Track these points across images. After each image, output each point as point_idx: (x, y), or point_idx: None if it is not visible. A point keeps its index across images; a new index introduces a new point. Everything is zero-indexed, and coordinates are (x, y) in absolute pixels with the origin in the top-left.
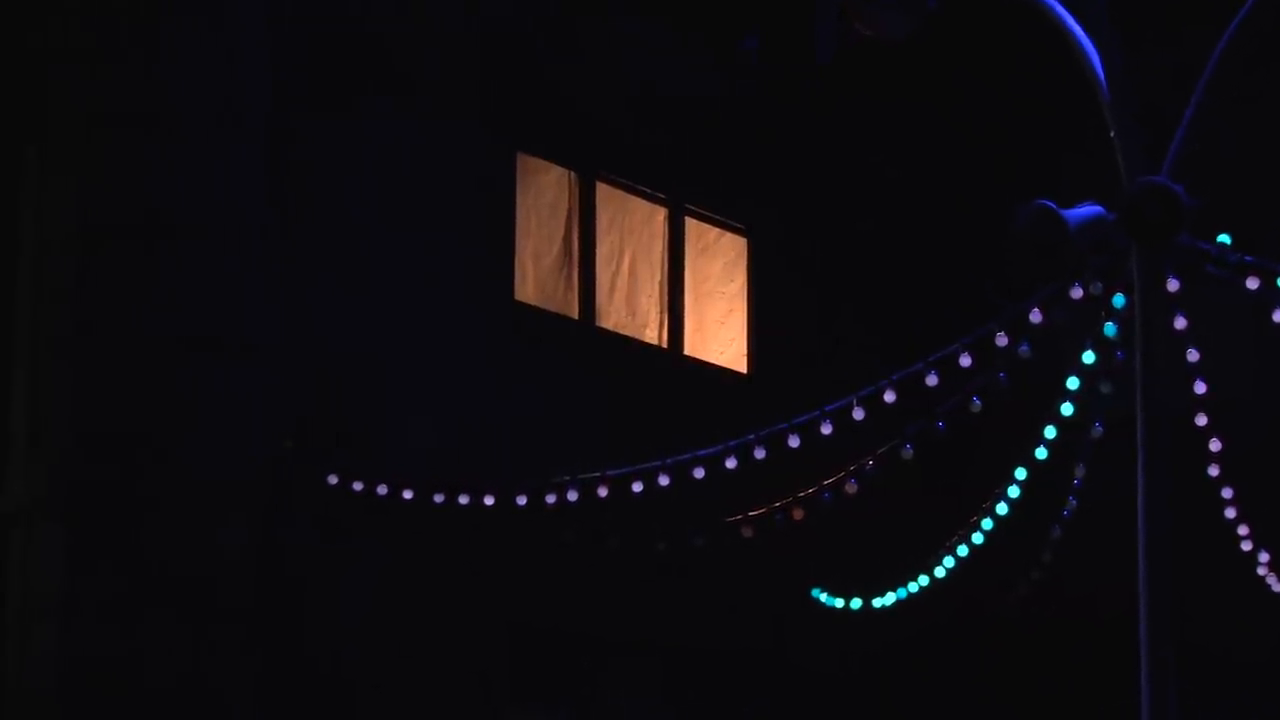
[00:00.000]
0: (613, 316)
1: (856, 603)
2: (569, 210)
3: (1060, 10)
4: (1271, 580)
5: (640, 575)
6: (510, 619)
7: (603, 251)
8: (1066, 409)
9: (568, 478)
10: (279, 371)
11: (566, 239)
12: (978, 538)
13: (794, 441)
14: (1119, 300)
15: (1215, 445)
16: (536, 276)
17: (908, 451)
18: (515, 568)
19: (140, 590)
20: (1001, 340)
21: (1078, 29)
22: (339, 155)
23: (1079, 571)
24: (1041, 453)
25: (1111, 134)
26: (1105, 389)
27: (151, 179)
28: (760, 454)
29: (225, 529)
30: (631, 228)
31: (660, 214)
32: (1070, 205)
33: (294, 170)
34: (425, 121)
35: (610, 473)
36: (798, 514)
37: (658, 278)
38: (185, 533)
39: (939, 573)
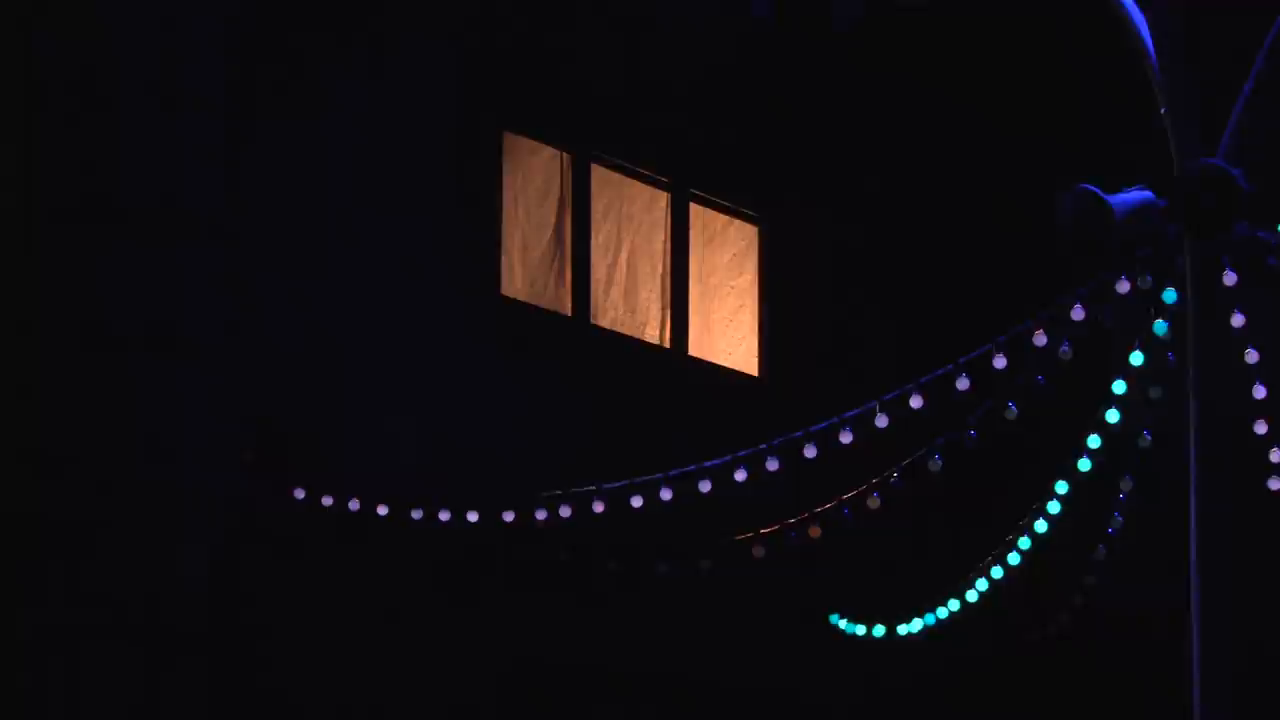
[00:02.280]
0: (609, 314)
1: (879, 630)
2: (561, 195)
3: None
4: None
5: (639, 600)
6: (495, 649)
7: (598, 241)
8: (1112, 416)
9: (559, 492)
10: (236, 374)
11: (558, 227)
12: (1014, 558)
13: (810, 451)
14: (1170, 295)
15: (1277, 455)
16: (525, 269)
17: (936, 463)
18: (501, 592)
19: (83, 618)
20: (1040, 340)
21: None
22: (302, 133)
23: (1126, 596)
24: (1085, 464)
25: (1162, 111)
26: (1155, 394)
27: (88, 159)
28: (773, 465)
29: (179, 549)
30: (630, 215)
31: (662, 199)
32: (1117, 190)
33: (251, 149)
34: (399, 97)
35: (606, 486)
36: (814, 532)
37: (659, 270)
38: (133, 554)
39: (971, 597)
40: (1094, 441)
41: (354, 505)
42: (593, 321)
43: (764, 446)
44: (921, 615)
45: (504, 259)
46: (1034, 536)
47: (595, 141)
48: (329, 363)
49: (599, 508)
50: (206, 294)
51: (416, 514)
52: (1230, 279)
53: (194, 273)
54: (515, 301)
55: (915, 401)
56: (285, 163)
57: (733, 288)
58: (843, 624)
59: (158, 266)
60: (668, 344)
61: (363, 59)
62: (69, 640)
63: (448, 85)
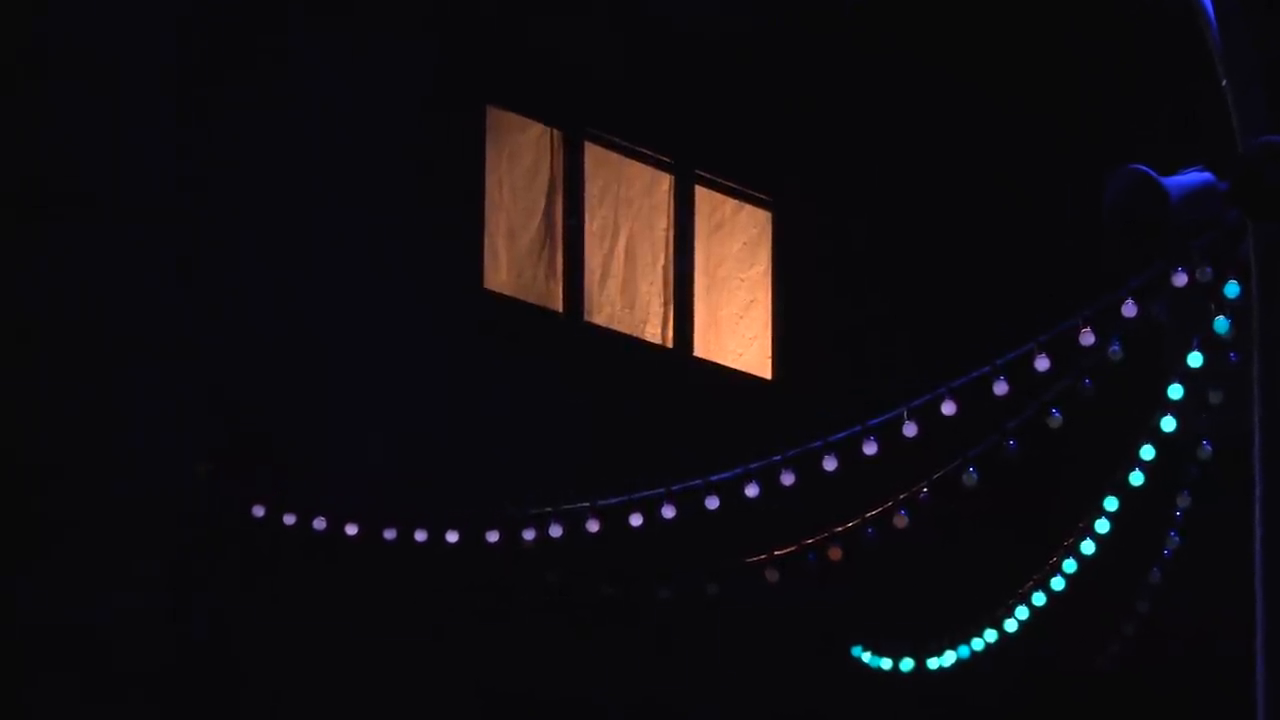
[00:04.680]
0: (605, 309)
1: (907, 663)
2: (551, 178)
3: None
4: None
5: (640, 628)
6: (481, 682)
7: (593, 229)
8: (1167, 424)
9: (549, 509)
10: (194, 377)
11: (548, 213)
12: (1058, 583)
13: (830, 463)
14: (1232, 289)
15: None
16: (511, 260)
17: (971, 476)
18: (487, 619)
19: (27, 650)
20: (1088, 339)
21: None
22: (267, 111)
23: (1183, 624)
24: (1137, 478)
25: (1222, 83)
26: (1215, 399)
27: (32, 139)
28: (788, 479)
29: (133, 572)
30: (629, 199)
31: (664, 182)
32: (1171, 171)
33: (213, 128)
34: (373, 67)
35: (602, 503)
36: (835, 554)
37: (661, 261)
38: (83, 577)
39: (1009, 626)
40: (1147, 452)
41: (320, 524)
42: (587, 318)
43: (778, 458)
44: (955, 647)
45: (488, 249)
46: (1080, 559)
47: (589, 117)
48: (295, 364)
49: (594, 526)
50: (159, 288)
51: (390, 533)
52: None
53: (147, 264)
54: (500, 296)
55: (948, 408)
56: (256, 147)
57: (743, 280)
58: (866, 656)
59: (105, 257)
60: (670, 343)
61: (338, 29)
62: (5, 677)
63: (426, 56)
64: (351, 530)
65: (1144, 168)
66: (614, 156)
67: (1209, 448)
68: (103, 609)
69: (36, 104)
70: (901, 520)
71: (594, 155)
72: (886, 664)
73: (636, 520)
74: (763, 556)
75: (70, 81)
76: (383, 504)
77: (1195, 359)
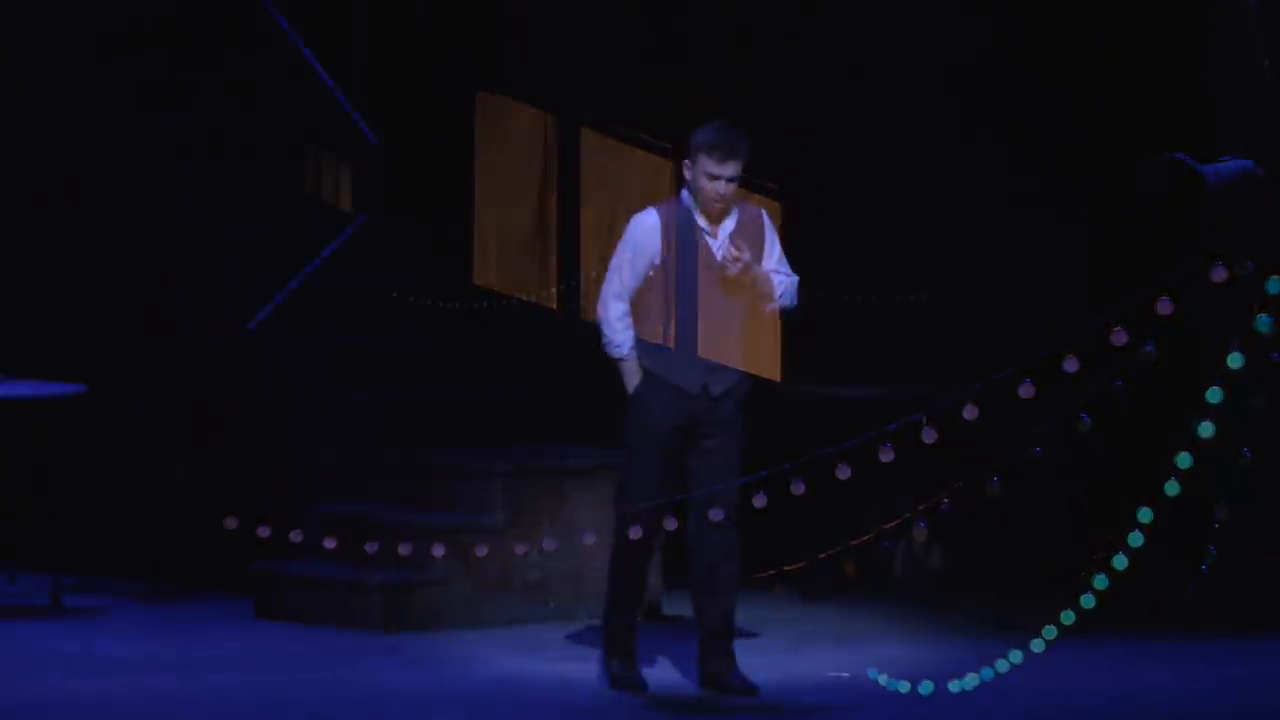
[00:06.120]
0: None
1: (927, 686)
2: (545, 166)
3: None
4: None
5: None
6: None
7: (589, 221)
8: (1206, 430)
9: (545, 520)
10: (166, 377)
11: (543, 205)
12: (1088, 600)
13: (844, 472)
14: (1275, 285)
15: None
16: (502, 255)
17: (995, 486)
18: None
19: None
20: (1120, 338)
21: None
22: (265, 107)
23: (1220, 639)
24: (1173, 487)
25: (1265, 63)
26: (1257, 402)
27: (31, 136)
28: (799, 488)
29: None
30: (629, 190)
31: (666, 170)
32: (1210, 159)
33: (211, 125)
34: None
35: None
36: (849, 568)
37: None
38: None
39: (1037, 647)
40: (1184, 460)
41: (296, 537)
42: (583, 317)
43: (788, 466)
44: (978, 669)
45: (477, 243)
46: (1113, 574)
47: (586, 101)
48: (278, 362)
49: (590, 539)
50: (127, 279)
51: (371, 548)
52: None
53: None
54: (490, 293)
55: (969, 412)
56: (229, 133)
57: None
58: (882, 680)
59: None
60: (672, 344)
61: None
62: None
63: (410, 35)
64: (330, 544)
65: (1180, 155)
66: (613, 143)
67: (1249, 455)
68: None
69: (34, 102)
70: (920, 533)
71: (592, 142)
72: (905, 687)
73: (636, 534)
74: (771, 571)
75: (68, 80)
76: (372, 510)
77: (1235, 360)
